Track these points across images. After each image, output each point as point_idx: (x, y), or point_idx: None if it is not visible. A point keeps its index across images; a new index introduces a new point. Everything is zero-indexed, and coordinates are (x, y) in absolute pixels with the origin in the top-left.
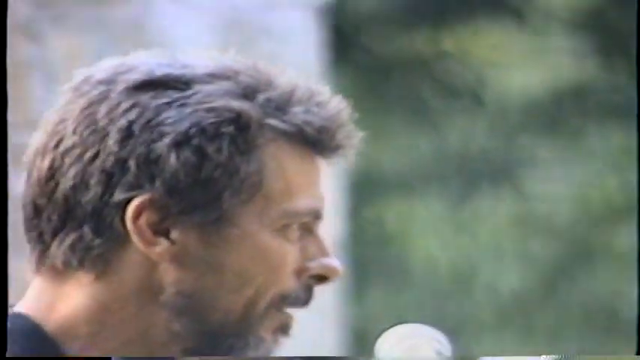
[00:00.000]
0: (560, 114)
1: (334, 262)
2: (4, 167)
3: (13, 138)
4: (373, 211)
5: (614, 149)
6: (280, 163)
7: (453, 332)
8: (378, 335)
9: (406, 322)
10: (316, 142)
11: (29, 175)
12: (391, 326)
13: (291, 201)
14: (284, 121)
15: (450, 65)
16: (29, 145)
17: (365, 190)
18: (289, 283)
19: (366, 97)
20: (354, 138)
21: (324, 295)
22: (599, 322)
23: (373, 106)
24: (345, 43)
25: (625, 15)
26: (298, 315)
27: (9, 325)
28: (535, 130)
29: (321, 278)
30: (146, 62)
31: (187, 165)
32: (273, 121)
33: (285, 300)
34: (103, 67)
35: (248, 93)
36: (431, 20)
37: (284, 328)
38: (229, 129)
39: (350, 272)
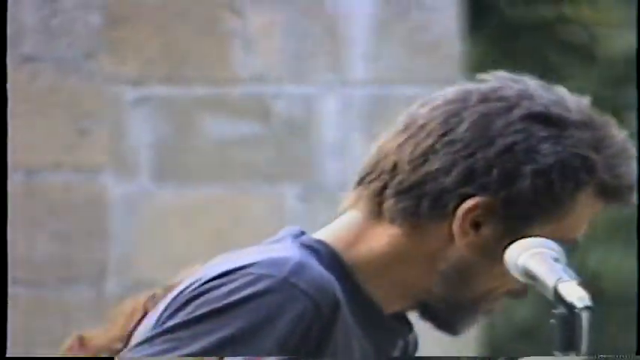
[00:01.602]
0: None
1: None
2: (4, 167)
3: (216, 92)
4: None
5: None
6: (584, 205)
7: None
8: None
9: None
10: (617, 196)
11: (405, 139)
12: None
13: (571, 233)
14: (611, 177)
15: (568, 26)
16: (416, 114)
17: None
18: (520, 283)
19: (499, 55)
20: (635, 196)
21: None
22: None
23: (504, 63)
24: (482, 11)
25: None
26: None
27: (314, 247)
28: (633, 82)
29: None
30: (542, 96)
31: (534, 190)
32: (605, 176)
33: (508, 293)
34: (509, 85)
35: (598, 146)
36: None
37: (489, 312)
38: (582, 175)
39: None
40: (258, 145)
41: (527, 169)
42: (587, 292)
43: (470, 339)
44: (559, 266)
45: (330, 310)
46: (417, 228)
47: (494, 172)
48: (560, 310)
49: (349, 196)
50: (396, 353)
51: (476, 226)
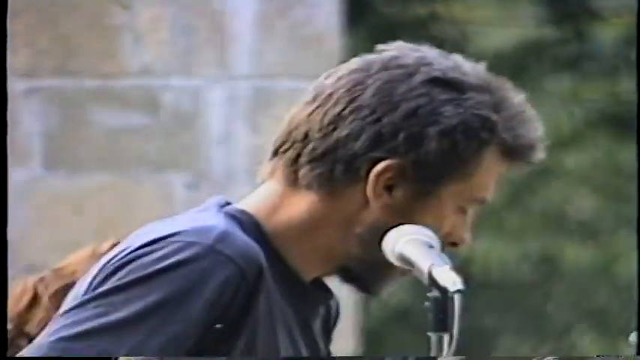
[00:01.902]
0: (523, 63)
1: (468, 236)
2: (4, 167)
3: (106, 84)
4: None
5: (563, 91)
6: (489, 165)
7: None
8: None
9: None
10: (519, 155)
11: (314, 109)
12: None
13: (480, 192)
14: (512, 137)
15: (441, 24)
16: (322, 85)
17: None
18: None
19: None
20: (541, 155)
21: None
22: (555, 223)
23: None
24: (360, 9)
25: None
26: None
27: (238, 216)
28: (504, 77)
29: (454, 244)
30: (440, 61)
31: (440, 150)
32: (505, 135)
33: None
34: (408, 54)
35: (497, 107)
36: None
37: (406, 273)
38: (484, 135)
39: None
40: (147, 135)
41: (433, 130)
42: (458, 276)
43: (347, 322)
44: (433, 252)
45: (255, 276)
46: (332, 193)
47: (401, 135)
48: (434, 293)
49: (265, 167)
50: (318, 320)
51: (389, 188)
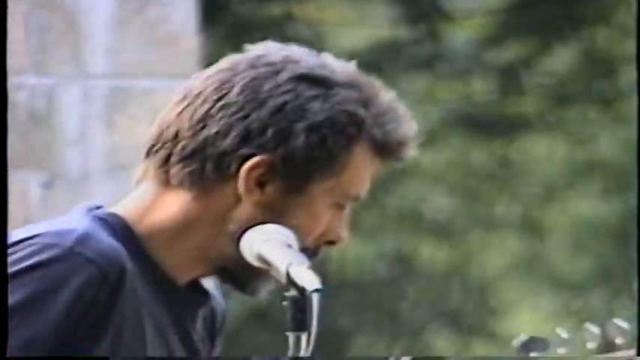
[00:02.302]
0: (377, 64)
1: (345, 233)
2: (4, 167)
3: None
4: None
5: (418, 91)
6: (359, 161)
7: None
8: None
9: None
10: (390, 152)
11: (183, 108)
12: None
13: (352, 189)
14: (381, 133)
15: (295, 24)
16: (191, 85)
17: None
18: (310, 241)
19: (232, 51)
20: (413, 153)
21: None
22: (410, 222)
23: None
24: (215, 8)
25: None
26: None
27: (106, 219)
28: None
29: (331, 242)
30: (307, 60)
31: (308, 146)
32: (375, 130)
33: (302, 252)
34: (275, 52)
35: (366, 103)
36: None
37: None
38: (351, 130)
39: None
40: None
41: (300, 126)
42: (316, 275)
43: None
44: (291, 251)
45: (117, 277)
46: (204, 192)
47: (269, 131)
48: (292, 292)
49: (138, 168)
50: (198, 324)
51: (260, 185)
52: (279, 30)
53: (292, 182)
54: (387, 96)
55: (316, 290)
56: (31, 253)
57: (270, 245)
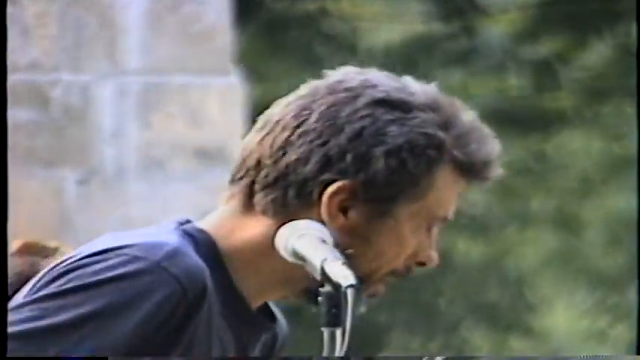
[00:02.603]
0: (412, 59)
1: (435, 255)
2: (4, 167)
3: None
4: None
5: (452, 86)
6: (443, 183)
7: None
8: None
9: None
10: (474, 172)
11: (263, 138)
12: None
13: (438, 211)
14: (463, 154)
15: (330, 20)
16: (271, 113)
17: None
18: (400, 263)
19: (267, 47)
20: (498, 172)
21: None
22: None
23: (272, 54)
24: (249, 5)
25: None
26: None
27: (194, 234)
28: (394, 71)
29: (422, 264)
30: (385, 82)
31: (389, 170)
32: (456, 152)
33: (392, 274)
34: (353, 77)
35: (446, 125)
36: None
37: (373, 295)
38: (432, 152)
39: None
40: (36, 131)
41: (379, 150)
42: (351, 271)
43: None
44: (326, 247)
45: (197, 296)
46: (288, 218)
47: (349, 156)
48: (327, 288)
49: (225, 193)
50: (261, 346)
51: (343, 210)
52: (315, 26)
53: (375, 207)
54: (467, 116)
55: (351, 286)
56: (116, 264)
57: (305, 241)
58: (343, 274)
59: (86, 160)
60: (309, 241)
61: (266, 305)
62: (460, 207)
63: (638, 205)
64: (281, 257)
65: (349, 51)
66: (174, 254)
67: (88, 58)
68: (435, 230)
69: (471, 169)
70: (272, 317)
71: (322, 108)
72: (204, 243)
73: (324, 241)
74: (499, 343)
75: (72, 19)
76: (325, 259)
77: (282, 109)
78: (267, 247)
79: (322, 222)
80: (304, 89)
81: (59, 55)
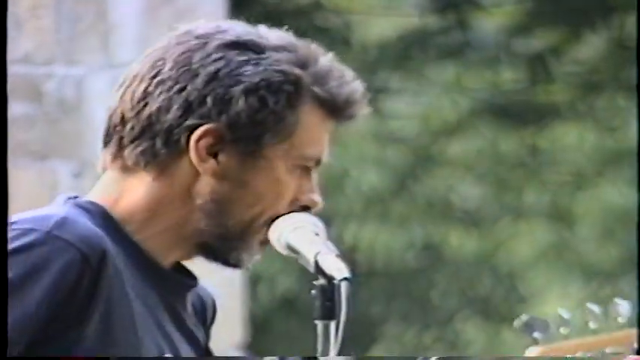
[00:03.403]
0: (406, 52)
1: (317, 197)
2: (4, 167)
3: None
4: None
5: (447, 80)
6: (309, 121)
7: (328, 220)
8: None
9: None
10: (338, 109)
11: (123, 93)
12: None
13: (308, 150)
14: (324, 91)
15: (324, 13)
16: (129, 69)
17: None
18: (284, 208)
19: None
20: (363, 110)
21: None
22: (439, 211)
23: None
24: None
25: None
26: None
27: (85, 206)
28: (389, 65)
29: (306, 208)
30: (235, 28)
31: (250, 108)
32: (317, 89)
33: (275, 220)
34: (202, 26)
35: (303, 64)
36: None
37: (265, 242)
38: (289, 87)
39: None
40: (30, 124)
41: (236, 90)
42: (344, 264)
43: (234, 310)
44: (319, 240)
45: (99, 260)
46: (163, 170)
47: (208, 99)
48: (321, 281)
49: (100, 160)
50: (190, 309)
51: (214, 155)
52: (308, 19)
53: (244, 147)
54: (326, 58)
55: (345, 279)
56: (11, 238)
57: (298, 234)
58: (337, 267)
59: (80, 152)
60: (302, 235)
61: (182, 266)
62: (453, 200)
63: (638, 200)
64: (168, 212)
65: (343, 44)
66: (63, 222)
67: (82, 51)
68: (314, 174)
69: (334, 108)
70: (190, 275)
71: (174, 56)
72: (97, 213)
73: (317, 234)
74: (493, 335)
75: (66, 12)
76: (319, 252)
77: (137, 64)
78: (151, 206)
79: (196, 169)
80: (157, 44)
81: (53, 47)
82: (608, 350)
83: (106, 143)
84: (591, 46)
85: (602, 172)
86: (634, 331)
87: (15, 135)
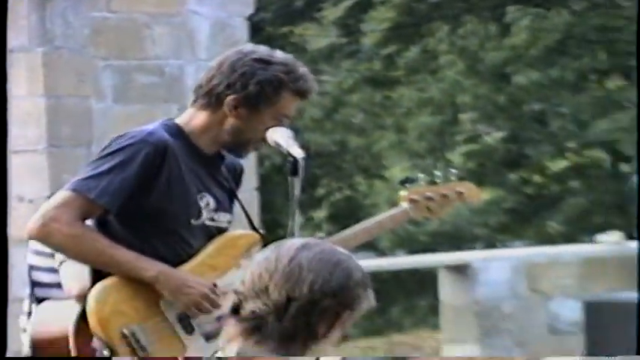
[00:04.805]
0: None
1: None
2: (4, 167)
3: None
4: None
5: None
6: (287, 99)
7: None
8: None
9: None
10: (302, 95)
11: (207, 72)
12: None
13: (282, 113)
14: (296, 86)
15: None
16: (211, 64)
17: None
18: (262, 136)
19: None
20: (314, 89)
21: None
22: None
23: None
24: None
25: None
26: None
27: (167, 124)
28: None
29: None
30: (260, 50)
31: (257, 90)
32: (292, 85)
33: (260, 141)
34: (245, 48)
35: (288, 72)
36: None
37: (258, 147)
38: (277, 84)
39: None
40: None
41: (252, 81)
42: (302, 151)
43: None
44: (290, 140)
45: (163, 152)
46: (213, 112)
47: (238, 84)
48: (290, 159)
49: (189, 104)
50: (224, 170)
51: (235, 108)
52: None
53: (250, 108)
54: (302, 69)
55: (302, 159)
56: (125, 139)
57: (279, 136)
58: (298, 152)
59: (181, 100)
60: (282, 137)
61: (219, 152)
62: None
63: (637, 205)
64: (213, 132)
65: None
66: (150, 133)
67: None
68: (285, 126)
69: (301, 94)
70: (222, 156)
71: (229, 60)
72: (173, 127)
73: (289, 137)
74: None
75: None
76: (290, 145)
77: (214, 62)
78: (206, 126)
79: (225, 114)
80: (227, 53)
81: None
82: (458, 189)
83: (193, 96)
84: None
85: None
86: (468, 182)
87: None
